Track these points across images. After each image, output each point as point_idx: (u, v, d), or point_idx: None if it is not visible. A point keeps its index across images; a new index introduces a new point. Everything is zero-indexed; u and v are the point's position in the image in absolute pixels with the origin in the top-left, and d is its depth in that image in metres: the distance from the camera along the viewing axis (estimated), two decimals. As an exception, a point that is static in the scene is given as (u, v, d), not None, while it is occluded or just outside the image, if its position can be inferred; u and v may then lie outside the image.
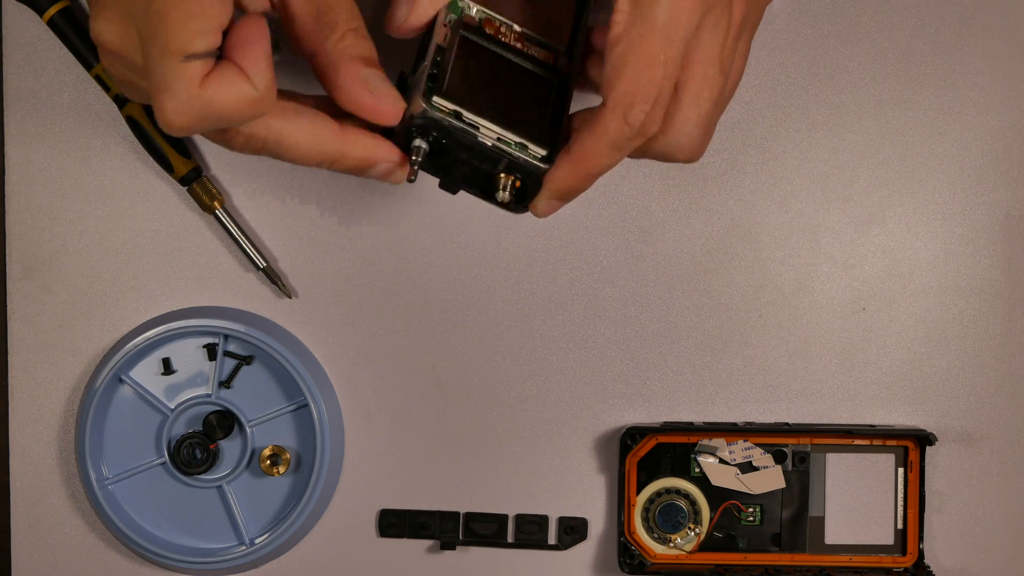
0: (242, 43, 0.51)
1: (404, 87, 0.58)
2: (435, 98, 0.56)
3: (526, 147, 0.57)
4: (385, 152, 0.57)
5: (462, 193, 0.59)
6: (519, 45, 0.60)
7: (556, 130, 0.59)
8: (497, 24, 0.60)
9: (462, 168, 0.57)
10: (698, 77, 0.56)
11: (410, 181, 0.57)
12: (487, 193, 0.58)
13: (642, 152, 0.58)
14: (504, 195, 0.58)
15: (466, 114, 0.56)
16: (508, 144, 0.57)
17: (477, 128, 0.56)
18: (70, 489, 0.75)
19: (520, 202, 0.58)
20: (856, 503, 0.73)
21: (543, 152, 0.57)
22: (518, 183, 0.58)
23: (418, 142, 0.56)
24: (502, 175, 0.57)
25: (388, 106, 0.56)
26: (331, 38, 0.55)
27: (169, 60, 0.50)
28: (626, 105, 0.55)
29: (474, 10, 0.59)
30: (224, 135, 0.54)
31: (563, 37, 0.61)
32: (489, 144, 0.56)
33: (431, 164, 0.57)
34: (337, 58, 0.55)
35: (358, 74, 0.55)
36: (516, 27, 0.60)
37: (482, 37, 0.59)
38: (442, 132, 0.56)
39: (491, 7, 0.60)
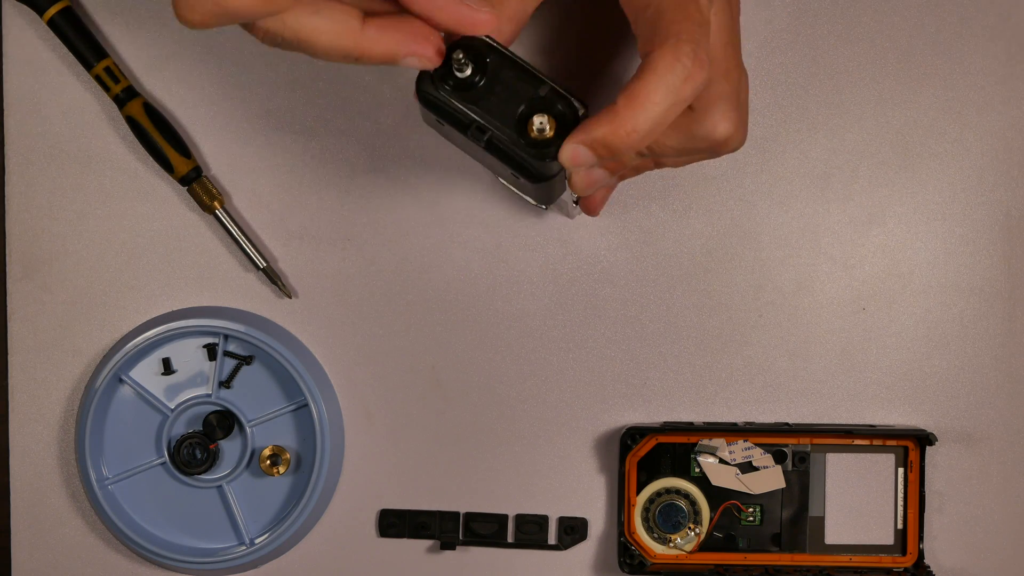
0: None
1: None
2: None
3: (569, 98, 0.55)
4: (411, 46, 0.54)
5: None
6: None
7: None
8: None
9: (495, 99, 0.56)
10: (719, 48, 0.56)
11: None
12: (512, 140, 0.56)
13: (688, 139, 0.57)
14: (536, 131, 0.55)
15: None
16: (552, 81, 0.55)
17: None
18: (70, 489, 0.75)
19: (547, 147, 0.56)
20: (856, 503, 0.73)
21: (583, 109, 0.56)
22: (553, 125, 0.55)
23: (459, 54, 0.55)
24: (536, 117, 0.55)
25: (484, 13, 0.54)
26: None
27: None
28: (674, 40, 0.53)
29: None
30: (249, 26, 0.53)
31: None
32: (535, 72, 0.55)
33: (463, 89, 0.56)
34: None
35: None
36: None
37: None
38: (490, 51, 0.55)
39: None
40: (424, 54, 0.54)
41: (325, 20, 0.53)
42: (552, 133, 0.55)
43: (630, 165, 0.63)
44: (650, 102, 0.54)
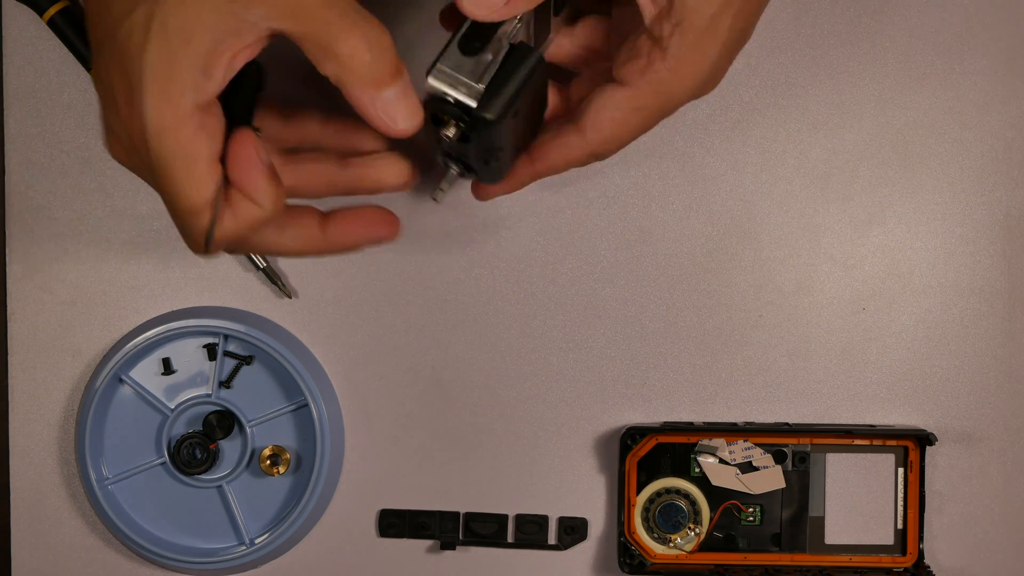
0: (241, 169, 0.54)
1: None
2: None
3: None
4: (371, 234, 0.61)
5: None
6: None
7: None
8: None
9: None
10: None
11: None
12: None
13: (656, 97, 0.60)
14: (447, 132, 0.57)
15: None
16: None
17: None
18: (70, 489, 0.75)
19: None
20: (856, 503, 0.73)
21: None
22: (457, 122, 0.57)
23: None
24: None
25: (401, 128, 0.56)
26: (332, 68, 0.54)
27: (182, 216, 0.55)
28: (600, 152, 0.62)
29: None
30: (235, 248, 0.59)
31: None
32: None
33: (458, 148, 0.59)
34: (346, 89, 0.55)
35: (372, 103, 0.55)
36: None
37: None
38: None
39: None
40: (385, 238, 0.61)
41: (289, 239, 0.59)
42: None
43: None
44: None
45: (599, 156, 0.62)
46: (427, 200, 0.74)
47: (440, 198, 0.64)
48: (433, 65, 0.56)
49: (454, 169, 0.62)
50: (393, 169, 0.62)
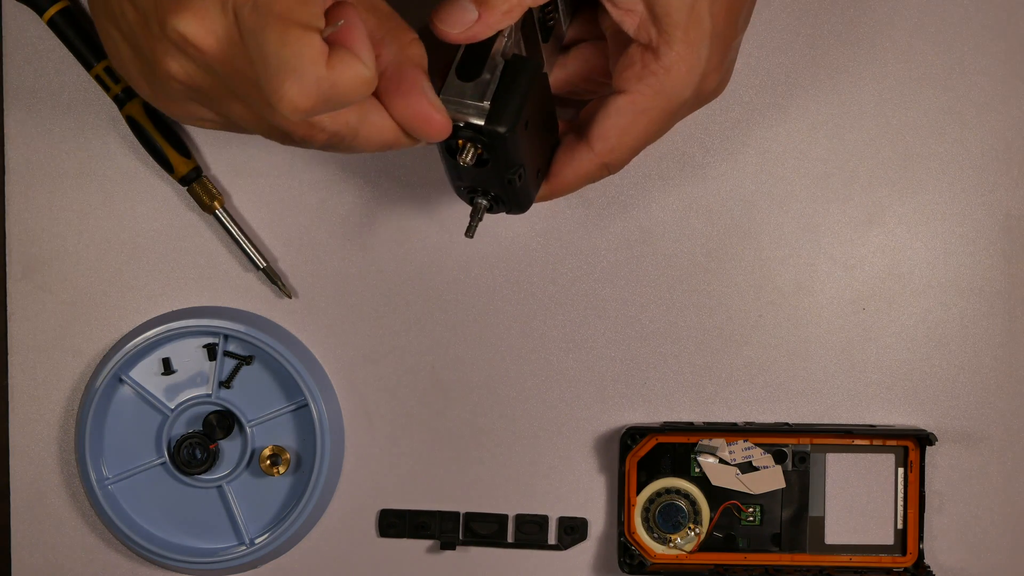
0: (347, 27, 0.51)
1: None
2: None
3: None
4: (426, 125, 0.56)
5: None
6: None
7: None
8: None
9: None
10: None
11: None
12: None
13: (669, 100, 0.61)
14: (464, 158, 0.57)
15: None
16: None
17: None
18: (70, 489, 0.75)
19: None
20: (856, 503, 0.73)
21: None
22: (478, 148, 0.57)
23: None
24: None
25: (441, 119, 0.55)
26: (393, 46, 0.54)
27: (293, 41, 0.49)
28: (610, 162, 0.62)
29: None
30: (310, 131, 0.53)
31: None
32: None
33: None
34: (400, 67, 0.54)
35: (420, 85, 0.54)
36: None
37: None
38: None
39: None
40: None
41: (376, 116, 0.54)
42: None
43: None
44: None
45: (610, 167, 0.63)
46: (427, 200, 0.74)
47: (472, 232, 0.62)
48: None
49: (482, 202, 0.62)
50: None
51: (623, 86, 0.61)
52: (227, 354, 0.74)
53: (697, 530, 0.73)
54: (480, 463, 0.74)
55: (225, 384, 0.74)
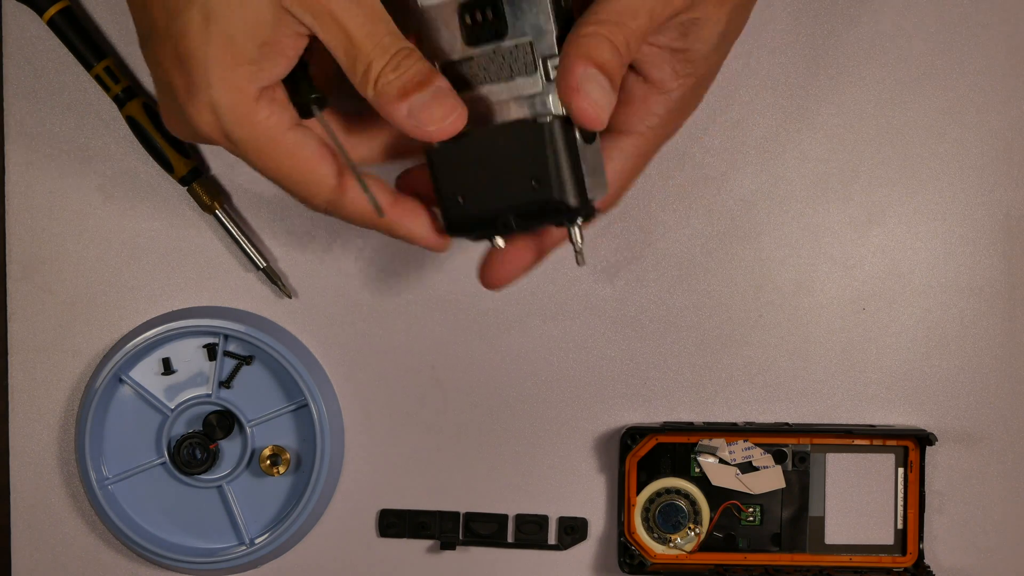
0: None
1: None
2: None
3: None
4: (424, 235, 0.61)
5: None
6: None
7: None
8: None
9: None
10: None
11: None
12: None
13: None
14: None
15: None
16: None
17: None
18: (70, 489, 0.75)
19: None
20: (856, 503, 0.73)
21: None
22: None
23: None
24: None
25: (435, 132, 0.56)
26: (367, 84, 0.55)
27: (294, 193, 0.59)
28: None
29: None
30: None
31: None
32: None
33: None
34: (377, 104, 0.55)
35: (402, 114, 0.55)
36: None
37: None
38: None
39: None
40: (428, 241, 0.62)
41: (421, 227, 0.60)
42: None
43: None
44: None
45: (603, 212, 0.61)
46: (427, 200, 0.74)
47: (581, 260, 0.60)
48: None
49: (575, 232, 0.58)
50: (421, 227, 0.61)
51: (625, 126, 0.59)
52: (227, 354, 0.74)
53: (697, 530, 0.73)
54: (480, 463, 0.74)
55: (225, 384, 0.74)
